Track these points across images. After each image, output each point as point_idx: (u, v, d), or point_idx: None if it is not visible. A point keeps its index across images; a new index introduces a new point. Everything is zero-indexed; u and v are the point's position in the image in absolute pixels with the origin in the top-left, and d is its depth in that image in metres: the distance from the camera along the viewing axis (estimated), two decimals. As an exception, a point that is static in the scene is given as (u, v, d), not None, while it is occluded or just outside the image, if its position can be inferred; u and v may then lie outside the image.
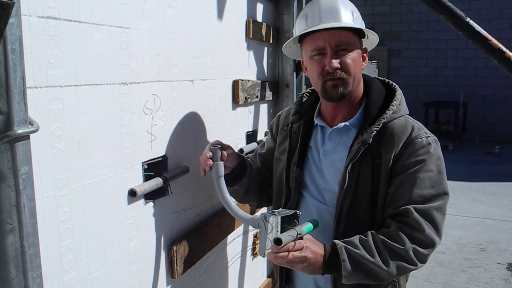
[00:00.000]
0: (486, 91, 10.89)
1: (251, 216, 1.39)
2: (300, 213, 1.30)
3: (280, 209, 1.34)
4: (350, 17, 1.44)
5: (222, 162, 1.49)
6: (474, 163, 8.66)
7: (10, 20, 0.79)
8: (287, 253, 1.24)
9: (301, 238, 1.28)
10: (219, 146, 1.49)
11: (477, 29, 1.82)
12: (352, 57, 1.42)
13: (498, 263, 4.43)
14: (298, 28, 1.51)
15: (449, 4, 1.84)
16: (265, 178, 1.74)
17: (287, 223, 1.26)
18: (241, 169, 1.61)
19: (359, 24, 1.46)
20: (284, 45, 1.64)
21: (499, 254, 4.63)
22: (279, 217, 1.24)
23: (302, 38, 1.49)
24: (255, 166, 1.74)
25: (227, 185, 1.60)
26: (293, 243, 1.25)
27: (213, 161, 1.48)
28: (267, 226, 1.25)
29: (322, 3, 1.45)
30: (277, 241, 1.20)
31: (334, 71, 1.40)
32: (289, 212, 1.28)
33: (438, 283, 4.03)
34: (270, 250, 1.24)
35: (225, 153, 1.52)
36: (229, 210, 1.47)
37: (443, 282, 4.05)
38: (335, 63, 1.40)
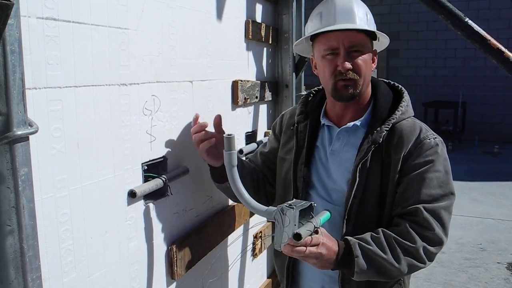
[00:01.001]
0: (485, 91, 10.91)
1: (266, 207, 1.36)
2: (315, 204, 1.30)
3: (294, 200, 1.32)
4: (364, 18, 1.46)
5: (235, 151, 1.45)
6: (474, 163, 8.68)
7: (9, 21, 0.78)
8: (305, 248, 1.24)
9: (316, 231, 1.27)
10: (233, 134, 1.45)
11: (476, 29, 1.82)
12: (364, 59, 1.44)
13: (498, 262, 4.43)
14: (312, 26, 1.51)
15: (448, 4, 1.84)
16: (264, 177, 1.74)
17: (302, 215, 1.25)
18: None
19: (372, 26, 1.49)
20: (295, 43, 1.65)
21: (499, 253, 4.63)
22: (297, 211, 1.22)
23: (314, 36, 1.50)
24: (247, 165, 1.72)
25: (217, 182, 1.59)
26: (310, 237, 1.24)
27: (225, 150, 1.44)
28: (284, 220, 1.23)
29: (337, 2, 1.47)
30: (297, 236, 1.19)
31: (346, 71, 1.42)
32: (305, 204, 1.27)
33: (438, 283, 4.04)
34: (286, 243, 1.23)
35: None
36: (242, 201, 1.45)
37: (443, 282, 4.06)
38: (348, 64, 1.41)
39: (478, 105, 10.90)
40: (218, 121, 1.58)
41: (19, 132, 0.85)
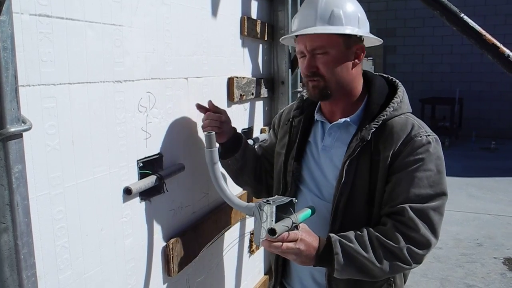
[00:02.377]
0: (481, 87, 10.93)
1: (246, 203, 1.38)
2: (296, 200, 1.30)
3: (276, 196, 1.34)
4: (325, 17, 1.40)
5: (217, 148, 1.48)
6: (470, 159, 8.71)
7: (1, 18, 0.78)
8: (281, 243, 1.23)
9: (296, 227, 1.27)
10: (213, 132, 1.49)
11: (471, 25, 1.81)
12: (326, 60, 1.41)
13: (494, 257, 4.45)
14: (292, 28, 1.54)
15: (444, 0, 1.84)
16: (265, 169, 1.77)
17: (282, 211, 1.26)
18: (234, 144, 1.63)
19: (352, 22, 1.42)
20: (281, 38, 1.67)
21: (496, 249, 4.66)
22: (274, 206, 1.23)
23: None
24: (253, 150, 1.76)
25: (220, 158, 1.62)
26: (287, 233, 1.24)
27: (206, 148, 1.47)
28: (261, 215, 1.24)
29: (305, 5, 1.48)
30: (271, 232, 1.20)
31: (306, 75, 1.44)
32: (284, 200, 1.28)
33: (435, 278, 4.05)
34: (264, 239, 1.24)
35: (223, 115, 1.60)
36: (224, 197, 1.47)
37: (440, 277, 4.07)
38: (306, 68, 1.43)
39: (475, 101, 10.92)
40: (212, 105, 1.67)
41: (12, 129, 0.85)
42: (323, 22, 1.41)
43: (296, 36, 1.50)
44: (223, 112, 1.67)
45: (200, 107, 1.65)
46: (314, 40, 1.41)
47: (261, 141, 1.99)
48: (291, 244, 1.25)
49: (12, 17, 0.84)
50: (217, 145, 1.58)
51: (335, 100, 1.48)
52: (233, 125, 1.72)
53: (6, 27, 0.82)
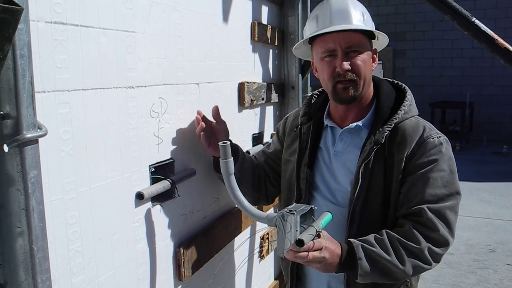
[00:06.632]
0: (492, 91, 10.83)
1: (266, 214, 1.36)
2: (316, 208, 1.29)
3: (294, 204, 1.32)
4: (360, 18, 1.45)
5: (232, 159, 1.44)
6: (482, 163, 8.61)
7: (19, 26, 0.80)
8: (307, 253, 1.23)
9: (318, 235, 1.26)
10: (228, 142, 1.44)
11: (483, 29, 1.81)
12: (363, 59, 1.43)
13: (507, 264, 4.39)
14: (309, 30, 1.52)
15: (454, 4, 1.83)
16: (266, 175, 1.75)
17: (303, 219, 1.25)
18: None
19: (370, 25, 1.48)
20: (294, 46, 1.65)
21: (509, 255, 4.59)
22: (298, 216, 1.21)
23: (312, 39, 1.50)
24: (250, 160, 1.74)
25: (216, 171, 1.60)
26: (312, 242, 1.24)
27: (221, 159, 1.45)
28: (285, 226, 1.22)
29: (332, 4, 1.47)
30: (299, 243, 1.18)
31: (344, 72, 1.41)
32: (305, 208, 1.26)
33: (446, 284, 4.01)
34: (289, 249, 1.23)
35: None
36: (241, 208, 1.45)
37: (452, 283, 4.03)
38: (346, 65, 1.41)
39: (486, 105, 10.82)
40: (215, 111, 1.64)
41: (28, 135, 0.86)
42: (359, 22, 1.45)
43: (310, 40, 1.50)
44: (222, 123, 1.64)
45: (200, 114, 1.61)
46: (352, 37, 1.42)
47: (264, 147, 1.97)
48: (316, 253, 1.25)
49: (29, 25, 0.85)
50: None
51: (354, 103, 1.48)
52: (243, 130, 1.73)
53: (23, 35, 0.83)
